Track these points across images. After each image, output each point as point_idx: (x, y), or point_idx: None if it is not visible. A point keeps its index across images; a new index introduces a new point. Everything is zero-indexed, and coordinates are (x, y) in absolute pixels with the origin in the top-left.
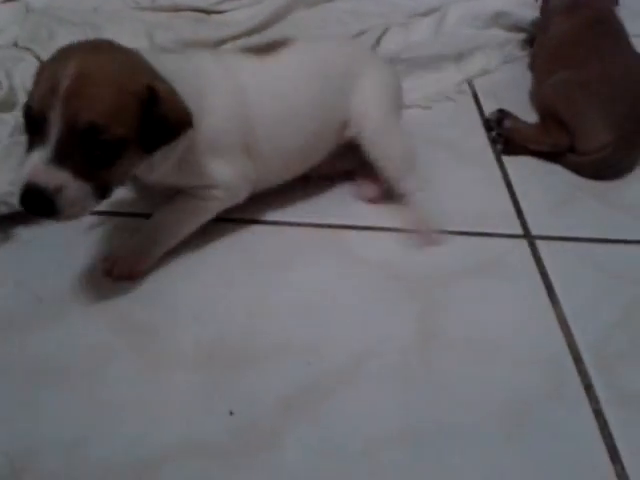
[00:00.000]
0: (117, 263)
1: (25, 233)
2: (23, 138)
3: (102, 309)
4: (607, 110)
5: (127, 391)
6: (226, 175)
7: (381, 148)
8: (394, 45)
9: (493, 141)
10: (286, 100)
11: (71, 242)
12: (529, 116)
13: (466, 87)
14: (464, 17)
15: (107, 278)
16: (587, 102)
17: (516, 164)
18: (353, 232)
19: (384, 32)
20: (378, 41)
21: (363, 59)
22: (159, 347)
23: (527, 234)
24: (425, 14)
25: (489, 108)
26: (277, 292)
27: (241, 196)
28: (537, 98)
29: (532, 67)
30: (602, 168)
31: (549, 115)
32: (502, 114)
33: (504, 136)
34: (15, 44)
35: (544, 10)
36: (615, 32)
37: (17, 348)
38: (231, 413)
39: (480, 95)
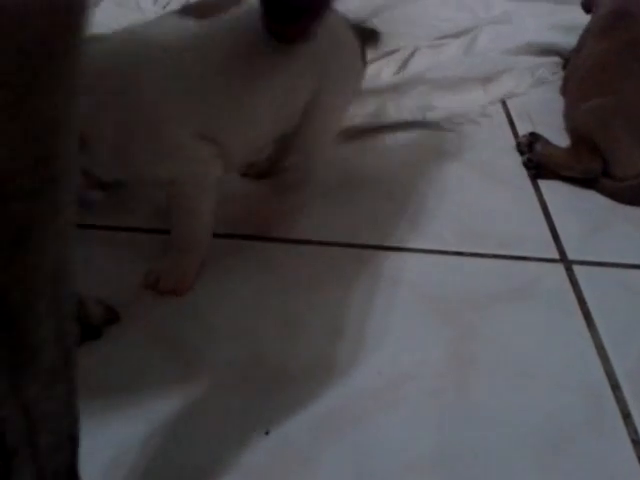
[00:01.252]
0: (162, 277)
1: None
2: None
3: (141, 324)
4: None
5: (163, 408)
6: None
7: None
8: (422, 66)
9: (525, 165)
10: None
11: (108, 256)
12: (563, 139)
13: (500, 108)
14: (495, 41)
15: (150, 290)
16: (623, 129)
17: (551, 187)
18: (387, 252)
19: (412, 53)
20: (406, 62)
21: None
22: (196, 365)
23: (564, 258)
24: (456, 36)
25: (523, 130)
26: (311, 312)
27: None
28: (570, 123)
29: (564, 91)
30: (639, 194)
31: (582, 141)
32: (533, 138)
33: (535, 161)
34: None
35: None
36: None
37: None
38: (267, 433)
39: (514, 117)
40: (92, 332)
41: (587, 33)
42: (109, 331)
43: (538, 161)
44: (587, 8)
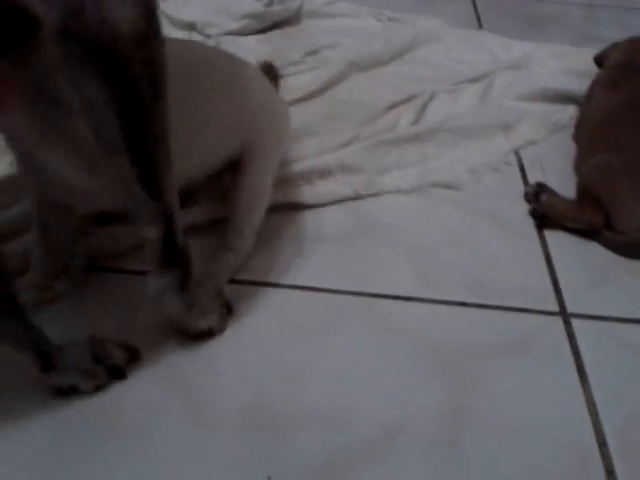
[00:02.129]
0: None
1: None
2: None
3: (157, 366)
4: None
5: (172, 451)
6: None
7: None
8: (439, 115)
9: (531, 215)
10: None
11: (130, 301)
12: (573, 188)
13: (512, 157)
14: (510, 86)
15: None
16: (628, 185)
17: (557, 237)
18: (391, 301)
19: (431, 98)
20: (424, 107)
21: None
22: (204, 408)
23: (563, 311)
24: (474, 80)
25: (534, 178)
26: (314, 359)
27: None
28: (578, 176)
29: (576, 139)
30: None
31: (587, 195)
32: (539, 188)
33: (540, 211)
34: None
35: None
36: None
37: (77, 400)
38: (269, 478)
39: (526, 165)
40: (117, 373)
41: (596, 84)
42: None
43: (542, 211)
44: (600, 63)
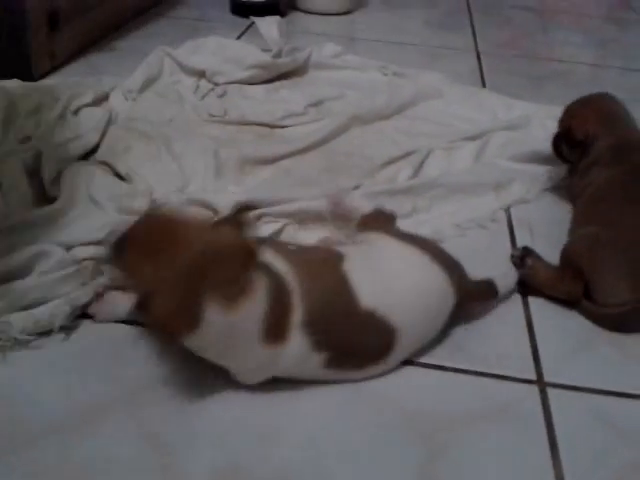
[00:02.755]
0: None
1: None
2: None
3: (132, 420)
4: (633, 272)
5: None
6: None
7: None
8: (435, 171)
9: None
10: None
11: (117, 353)
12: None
13: (502, 215)
14: (505, 146)
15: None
16: (612, 260)
17: (540, 303)
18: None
19: (427, 155)
20: (421, 164)
21: None
22: (178, 468)
23: (540, 380)
24: (471, 138)
25: (522, 239)
26: (288, 422)
27: None
28: (565, 245)
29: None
30: (619, 323)
31: (569, 264)
32: (526, 252)
33: (521, 278)
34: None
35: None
36: None
37: (60, 453)
38: None
39: (515, 225)
40: None
41: (591, 161)
42: (95, 425)
43: (523, 279)
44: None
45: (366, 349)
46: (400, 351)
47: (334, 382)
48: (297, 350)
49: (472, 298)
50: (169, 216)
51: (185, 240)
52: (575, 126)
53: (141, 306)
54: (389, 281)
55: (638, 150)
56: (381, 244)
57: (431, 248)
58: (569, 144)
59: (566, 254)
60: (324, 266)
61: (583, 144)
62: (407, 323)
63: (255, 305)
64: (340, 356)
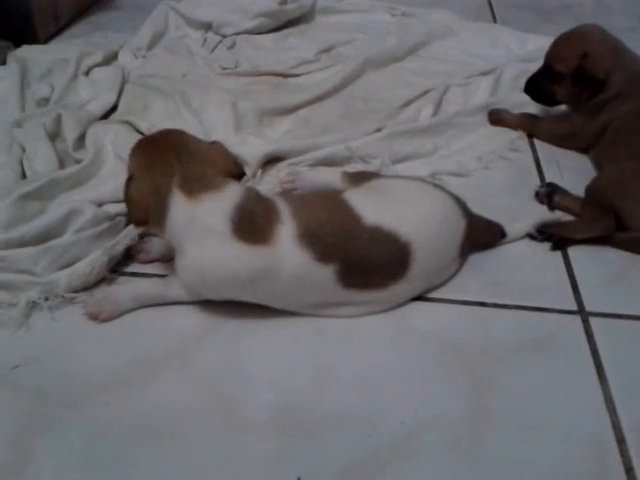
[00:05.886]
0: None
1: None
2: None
3: (184, 371)
4: None
5: (207, 455)
6: None
7: None
8: (455, 107)
9: (538, 238)
10: None
11: (161, 307)
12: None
13: (526, 146)
14: (519, 78)
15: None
16: None
17: None
18: (413, 303)
19: (445, 92)
20: (440, 101)
21: None
22: (237, 412)
23: (581, 310)
24: (484, 73)
25: (550, 176)
26: (340, 361)
27: None
28: (588, 186)
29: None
30: None
31: (598, 201)
32: (551, 188)
33: (547, 234)
34: (107, 111)
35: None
36: None
37: (119, 406)
38: (299, 479)
39: (542, 161)
40: None
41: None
42: (150, 379)
43: (552, 233)
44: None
45: (381, 263)
46: (419, 267)
47: (382, 321)
48: (298, 259)
49: (480, 232)
50: (176, 131)
51: (170, 143)
52: (590, 65)
53: (124, 190)
54: (394, 203)
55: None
56: (380, 181)
57: (430, 182)
58: (580, 83)
59: (594, 191)
60: (320, 196)
61: (599, 81)
62: (421, 237)
63: (221, 203)
64: (352, 269)
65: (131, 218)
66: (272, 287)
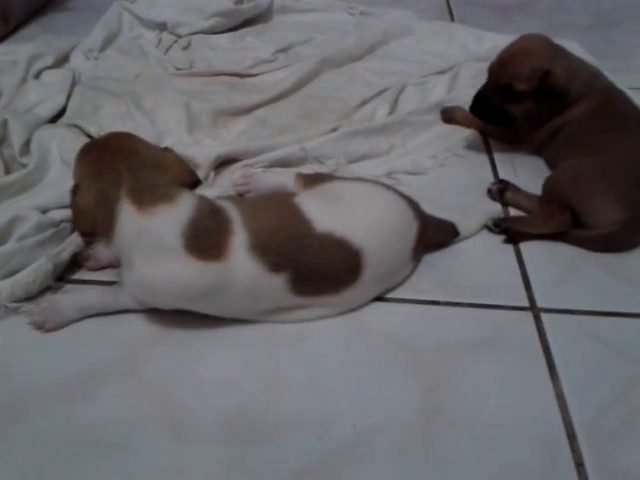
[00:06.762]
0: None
1: None
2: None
3: (134, 379)
4: (620, 192)
5: (155, 466)
6: None
7: None
8: (411, 105)
9: (494, 230)
10: None
11: (109, 315)
12: (539, 184)
13: (480, 144)
14: (475, 77)
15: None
16: (600, 185)
17: None
18: (367, 303)
19: (401, 91)
20: (396, 100)
21: None
22: (187, 421)
23: (533, 306)
24: (442, 72)
25: (504, 173)
26: (292, 365)
27: None
28: (545, 182)
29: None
30: (610, 242)
31: (554, 197)
32: (503, 185)
33: (503, 227)
34: (55, 114)
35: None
36: (627, 114)
37: (63, 419)
38: None
39: (496, 158)
40: None
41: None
42: (98, 388)
43: (507, 227)
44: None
45: (332, 270)
46: (372, 272)
47: (332, 320)
48: (250, 270)
49: (433, 232)
50: (126, 134)
51: (119, 148)
52: (554, 82)
53: (70, 200)
54: (346, 207)
55: (597, 78)
56: (333, 184)
57: (383, 184)
58: (540, 100)
59: (550, 187)
60: (272, 201)
61: (563, 95)
62: (372, 242)
63: (173, 218)
64: (304, 277)
65: (77, 229)
66: (224, 299)
